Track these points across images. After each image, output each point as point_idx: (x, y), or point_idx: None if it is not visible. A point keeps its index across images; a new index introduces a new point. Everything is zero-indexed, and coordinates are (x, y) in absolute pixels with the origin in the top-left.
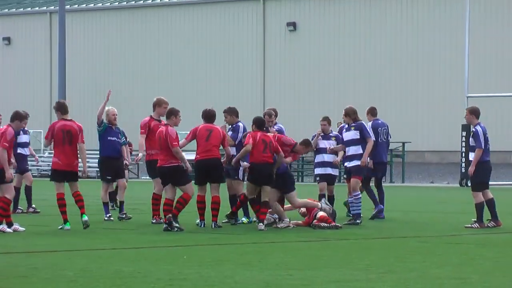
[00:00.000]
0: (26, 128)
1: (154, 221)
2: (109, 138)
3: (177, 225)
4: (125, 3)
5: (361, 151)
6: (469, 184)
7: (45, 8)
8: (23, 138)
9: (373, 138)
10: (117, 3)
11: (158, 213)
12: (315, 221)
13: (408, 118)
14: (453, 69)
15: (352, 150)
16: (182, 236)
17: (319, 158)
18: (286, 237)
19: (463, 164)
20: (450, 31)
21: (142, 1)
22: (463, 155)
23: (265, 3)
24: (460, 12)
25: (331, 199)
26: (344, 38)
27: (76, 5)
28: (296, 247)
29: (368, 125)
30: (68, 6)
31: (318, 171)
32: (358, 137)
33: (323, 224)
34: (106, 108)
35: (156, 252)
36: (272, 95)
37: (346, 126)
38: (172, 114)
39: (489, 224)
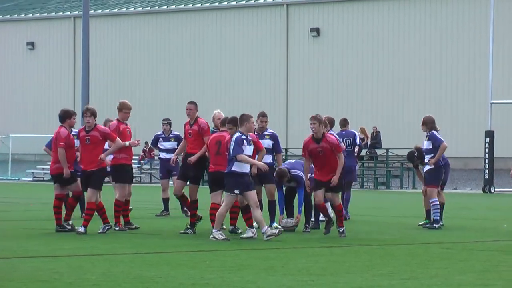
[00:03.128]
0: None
1: (117, 228)
2: None
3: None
4: (149, 8)
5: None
6: (492, 191)
7: (69, 12)
8: (165, 145)
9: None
10: (140, 8)
11: (119, 220)
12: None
13: None
14: (477, 75)
15: (426, 159)
16: (203, 241)
17: None
18: (308, 242)
19: (486, 171)
20: (474, 36)
21: (165, 7)
22: (486, 161)
23: (289, 9)
24: (484, 17)
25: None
26: (367, 44)
27: (100, 10)
28: (319, 253)
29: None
30: (92, 11)
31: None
32: (431, 147)
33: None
34: (215, 112)
35: (178, 257)
36: (295, 100)
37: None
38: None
39: None
